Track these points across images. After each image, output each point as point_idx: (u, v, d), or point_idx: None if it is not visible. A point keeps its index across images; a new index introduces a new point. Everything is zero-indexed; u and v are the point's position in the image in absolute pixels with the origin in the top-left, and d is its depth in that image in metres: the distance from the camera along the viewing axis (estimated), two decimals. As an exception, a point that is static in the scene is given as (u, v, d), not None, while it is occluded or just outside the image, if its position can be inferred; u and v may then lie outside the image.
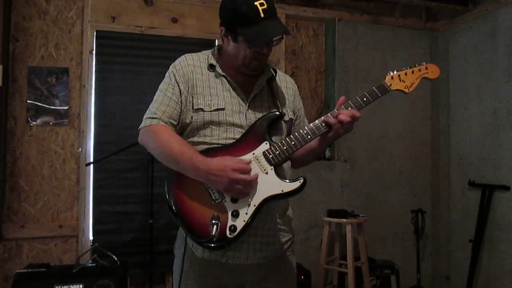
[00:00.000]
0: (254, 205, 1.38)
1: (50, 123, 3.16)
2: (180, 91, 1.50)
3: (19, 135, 3.09)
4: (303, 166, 1.67)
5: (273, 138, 1.47)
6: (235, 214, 1.37)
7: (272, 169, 1.41)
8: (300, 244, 3.61)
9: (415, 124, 4.14)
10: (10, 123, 3.08)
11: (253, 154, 1.42)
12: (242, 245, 1.45)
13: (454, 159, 4.02)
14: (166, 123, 1.47)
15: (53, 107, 3.17)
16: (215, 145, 1.46)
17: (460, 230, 3.90)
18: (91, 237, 3.18)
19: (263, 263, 1.50)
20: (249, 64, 1.48)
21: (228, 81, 1.52)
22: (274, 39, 1.44)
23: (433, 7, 4.01)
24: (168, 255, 2.34)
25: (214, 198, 1.40)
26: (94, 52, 3.26)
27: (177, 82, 1.51)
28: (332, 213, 3.51)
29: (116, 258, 2.87)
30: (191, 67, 1.53)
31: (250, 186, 1.36)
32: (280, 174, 1.43)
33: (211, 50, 1.59)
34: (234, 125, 1.48)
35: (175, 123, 1.50)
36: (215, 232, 1.32)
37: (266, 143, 1.43)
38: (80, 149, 3.20)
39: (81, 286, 2.67)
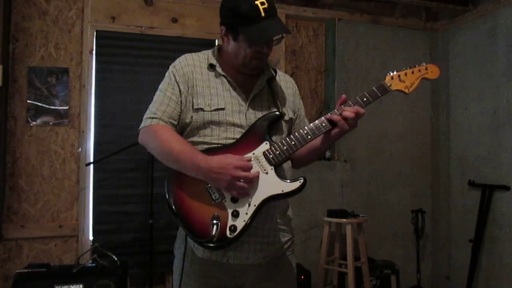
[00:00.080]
0: (254, 205, 1.38)
1: (50, 123, 3.16)
2: (180, 91, 1.50)
3: (19, 135, 3.09)
4: (303, 166, 1.67)
5: (273, 138, 1.46)
6: (235, 214, 1.37)
7: (272, 169, 1.40)
8: (300, 244, 3.61)
9: (415, 124, 4.13)
10: (10, 123, 3.08)
11: (253, 154, 1.42)
12: (243, 245, 1.45)
13: (454, 159, 4.02)
14: (166, 123, 1.47)
15: (53, 107, 3.16)
16: (215, 145, 1.46)
17: (460, 230, 3.90)
18: (91, 237, 3.18)
19: (263, 263, 1.50)
20: (249, 64, 1.48)
21: (228, 81, 1.52)
22: (275, 38, 1.45)
23: (433, 7, 4.01)
24: (168, 255, 2.34)
25: (214, 198, 1.39)
26: (94, 52, 3.26)
27: (177, 82, 1.50)
28: (332, 213, 3.50)
29: (116, 258, 2.87)
30: (191, 67, 1.53)
31: (251, 183, 1.36)
32: (280, 174, 1.42)
33: (211, 50, 1.59)
34: (234, 125, 1.48)
35: (175, 123, 1.50)
36: (215, 232, 1.32)
37: (266, 143, 1.43)
38: (80, 149, 3.20)
39: (81, 286, 2.67)
